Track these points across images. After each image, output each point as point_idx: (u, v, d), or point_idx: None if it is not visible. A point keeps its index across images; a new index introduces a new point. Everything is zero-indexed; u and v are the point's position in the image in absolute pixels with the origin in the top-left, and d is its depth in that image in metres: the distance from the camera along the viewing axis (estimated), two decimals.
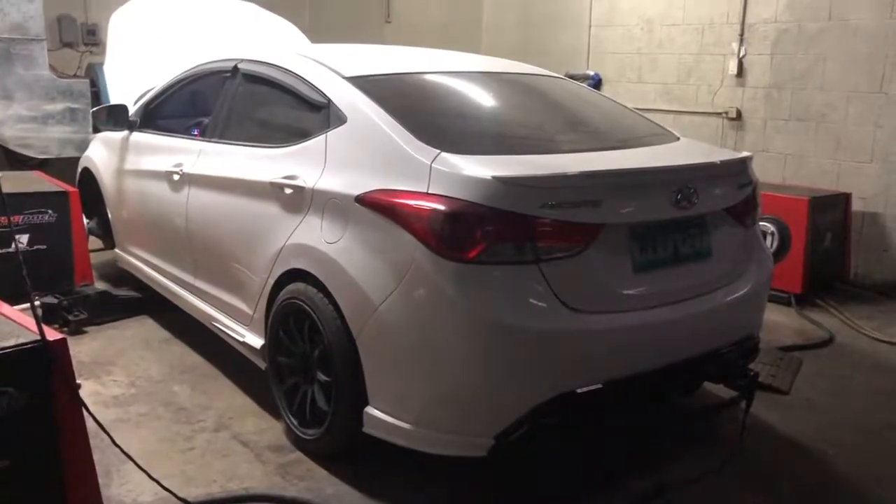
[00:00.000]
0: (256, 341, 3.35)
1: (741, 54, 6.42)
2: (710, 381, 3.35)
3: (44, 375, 2.16)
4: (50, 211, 4.71)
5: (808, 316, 5.02)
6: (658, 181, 2.81)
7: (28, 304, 4.35)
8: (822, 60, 5.89)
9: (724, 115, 6.61)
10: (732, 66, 6.49)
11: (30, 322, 2.23)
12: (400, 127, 2.85)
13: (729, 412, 3.53)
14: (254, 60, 3.76)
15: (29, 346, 2.14)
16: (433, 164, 2.64)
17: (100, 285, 4.98)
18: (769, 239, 5.24)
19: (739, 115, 6.51)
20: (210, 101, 4.14)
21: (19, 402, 2.12)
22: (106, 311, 4.56)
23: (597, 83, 7.50)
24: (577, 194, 2.61)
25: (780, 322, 4.87)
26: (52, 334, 2.19)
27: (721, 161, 3.09)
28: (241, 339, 3.47)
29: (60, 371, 2.19)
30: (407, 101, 3.14)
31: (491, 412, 2.59)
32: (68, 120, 6.52)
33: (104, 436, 2.39)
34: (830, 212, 5.49)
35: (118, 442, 3.04)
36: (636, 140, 3.29)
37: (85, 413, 2.25)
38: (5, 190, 4.58)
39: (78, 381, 2.38)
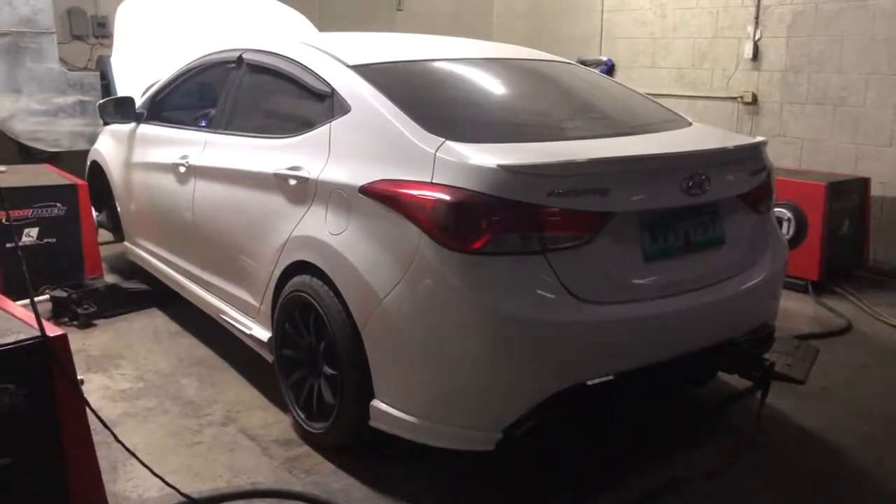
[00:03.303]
0: (263, 334, 3.32)
1: (756, 37, 6.30)
2: (725, 371, 3.28)
3: (45, 372, 2.13)
4: (59, 204, 4.71)
5: (826, 303, 4.93)
6: (668, 168, 2.73)
7: (38, 299, 4.39)
8: (839, 42, 5.76)
9: (739, 99, 6.49)
10: (748, 50, 6.36)
11: (31, 318, 2.21)
12: (404, 115, 2.79)
13: (744, 402, 3.47)
14: (258, 50, 3.72)
15: (29, 342, 2.12)
16: (437, 153, 2.58)
17: (110, 278, 4.99)
18: (785, 225, 5.14)
19: (755, 99, 6.39)
20: (216, 92, 4.11)
21: (20, 398, 2.10)
22: (115, 304, 4.55)
23: (610, 69, 7.40)
24: (585, 182, 2.55)
25: (796, 310, 4.78)
26: (52, 330, 2.16)
27: (733, 146, 3.01)
28: (248, 332, 3.44)
29: (61, 367, 2.17)
30: (411, 89, 3.08)
31: (499, 406, 2.54)
32: (79, 113, 6.53)
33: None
34: (848, 197, 5.38)
35: (126, 436, 3.04)
36: (647, 126, 3.22)
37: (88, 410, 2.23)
38: (14, 184, 4.64)
39: (81, 378, 2.36)
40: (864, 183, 5.50)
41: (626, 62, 7.47)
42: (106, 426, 2.34)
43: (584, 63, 5.94)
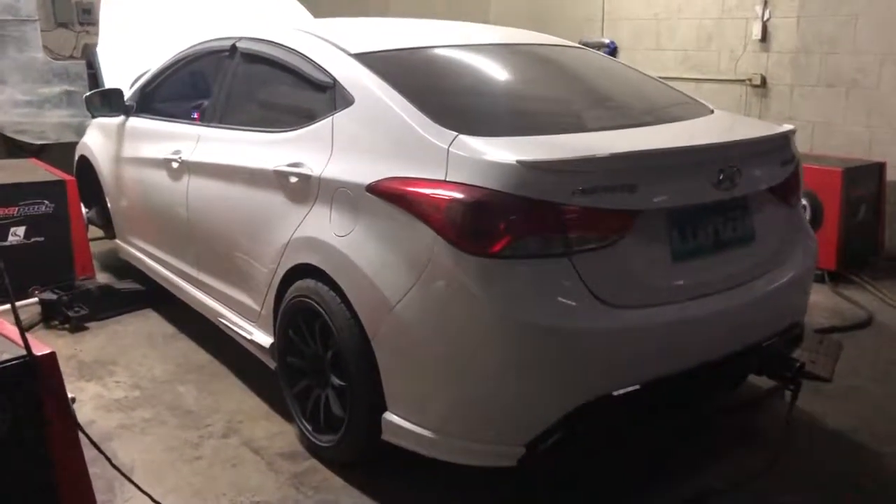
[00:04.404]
0: (265, 339, 3.14)
1: (765, 17, 6.11)
2: (754, 373, 3.12)
3: (32, 394, 1.96)
4: (47, 201, 4.51)
5: (844, 294, 4.77)
6: (699, 161, 2.56)
7: (26, 302, 4.19)
8: (853, 21, 5.57)
9: (747, 82, 6.30)
10: (756, 31, 6.17)
11: (16, 333, 2.03)
12: (412, 107, 2.60)
13: (770, 404, 3.31)
14: (253, 38, 3.51)
15: (13, 362, 1.94)
16: (450, 149, 2.40)
17: (102, 278, 4.80)
18: None
19: (764, 81, 6.20)
20: (209, 83, 3.91)
21: (5, 423, 1.93)
22: (108, 305, 4.36)
23: (613, 51, 7.19)
24: (611, 178, 2.36)
25: (814, 301, 4.51)
26: (39, 348, 1.99)
27: (766, 136, 2.83)
28: (248, 337, 3.26)
29: (50, 388, 2.00)
30: (419, 79, 2.90)
31: (520, 419, 2.37)
32: (65, 103, 6.31)
33: (105, 448, 2.20)
34: (864, 182, 5.20)
35: (122, 451, 2.88)
36: (668, 114, 3.04)
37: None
38: (0, 180, 4.43)
39: (71, 396, 2.20)
40: (879, 168, 5.32)
41: (629, 44, 7.26)
42: (100, 451, 2.18)
43: (586, 45, 5.70)
